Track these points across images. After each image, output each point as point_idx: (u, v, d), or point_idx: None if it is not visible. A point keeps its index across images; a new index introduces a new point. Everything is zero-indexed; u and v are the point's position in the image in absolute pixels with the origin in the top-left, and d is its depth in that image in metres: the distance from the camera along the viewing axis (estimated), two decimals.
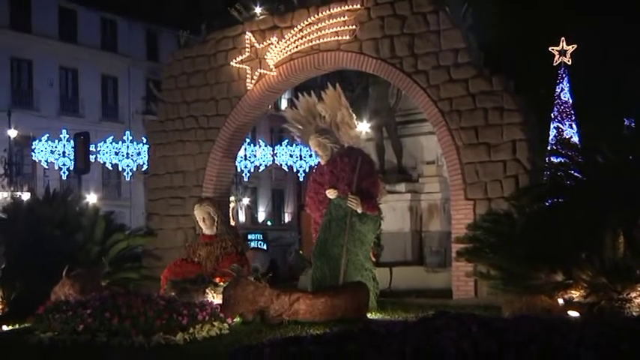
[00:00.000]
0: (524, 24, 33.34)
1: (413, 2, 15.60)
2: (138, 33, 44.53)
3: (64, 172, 32.06)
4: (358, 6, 15.99)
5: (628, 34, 32.76)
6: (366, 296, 12.24)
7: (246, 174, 36.24)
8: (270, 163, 36.21)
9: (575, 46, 25.33)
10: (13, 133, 34.97)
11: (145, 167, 28.18)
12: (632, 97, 29.10)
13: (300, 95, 14.44)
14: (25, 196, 23.28)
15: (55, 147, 31.56)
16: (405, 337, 6.13)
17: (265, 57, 17.02)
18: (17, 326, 12.31)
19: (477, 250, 13.61)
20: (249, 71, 17.23)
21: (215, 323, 10.61)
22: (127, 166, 32.81)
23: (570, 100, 26.64)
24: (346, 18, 16.05)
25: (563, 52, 25.66)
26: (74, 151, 30.77)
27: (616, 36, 32.89)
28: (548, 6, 34.80)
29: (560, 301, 10.98)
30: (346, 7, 16.10)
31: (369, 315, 12.10)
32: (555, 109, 26.55)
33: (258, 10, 17.52)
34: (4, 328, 12.47)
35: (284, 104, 39.43)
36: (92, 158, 31.55)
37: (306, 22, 16.51)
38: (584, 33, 27.80)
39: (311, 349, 6.04)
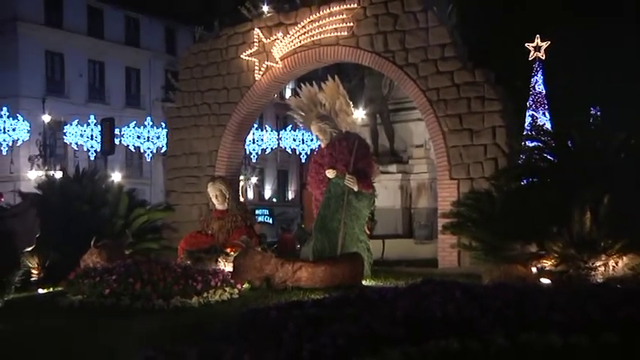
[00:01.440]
0: (503, 23, 33.24)
1: (404, 2, 15.54)
2: (158, 29, 44.35)
3: (91, 154, 32.04)
4: (355, 5, 15.93)
5: (595, 32, 32.69)
6: (362, 265, 12.24)
7: (254, 156, 36.25)
8: (276, 146, 36.23)
9: (549, 42, 25.28)
10: (47, 118, 34.91)
11: (163, 149, 28.16)
12: (598, 89, 29.09)
13: (302, 85, 14.39)
14: (58, 174, 23.24)
15: (84, 131, 31.54)
16: (396, 302, 6.12)
17: (272, 51, 16.97)
18: (51, 290, 12.34)
19: (461, 225, 13.62)
20: (257, 63, 17.18)
21: (226, 289, 10.61)
22: (148, 148, 32.80)
23: (544, 91, 26.61)
24: (344, 16, 16.00)
25: (537, 48, 25.61)
26: (101, 135, 30.73)
27: (584, 34, 32.80)
28: (525, 7, 34.74)
29: (534, 269, 10.97)
30: (344, 6, 16.04)
31: (364, 282, 12.11)
32: (530, 98, 26.51)
33: (265, 8, 17.46)
34: (40, 291, 12.51)
35: (288, 93, 39.27)
36: (117, 141, 31.53)
37: (308, 20, 16.46)
38: (556, 31, 27.74)
39: (312, 312, 6.03)
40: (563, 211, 10.60)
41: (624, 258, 10.59)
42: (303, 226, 23.17)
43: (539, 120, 23.51)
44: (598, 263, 10.53)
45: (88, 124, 31.57)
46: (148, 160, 34.89)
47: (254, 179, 47.82)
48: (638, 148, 11.54)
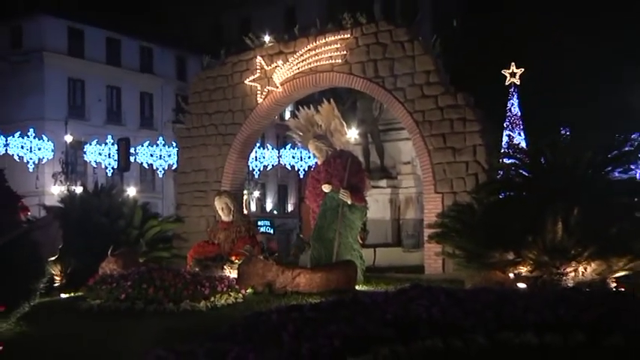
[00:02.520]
0: (482, 51, 33.39)
1: (393, 33, 15.60)
2: (169, 57, 44.42)
3: (109, 170, 31.97)
4: (348, 35, 15.99)
5: (565, 61, 32.87)
6: (355, 272, 12.22)
7: (256, 172, 36.17)
8: (276, 163, 36.14)
9: (523, 69, 25.34)
10: (69, 138, 34.90)
11: (174, 166, 28.11)
12: (568, 111, 29.19)
13: (300, 108, 14.42)
14: (78, 190, 23.18)
15: (102, 150, 31.48)
16: (386, 305, 6.11)
17: (272, 77, 17.01)
18: (72, 295, 12.30)
19: (445, 234, 13.60)
20: (259, 88, 17.21)
21: (231, 293, 10.59)
22: (160, 165, 32.72)
23: (519, 113, 26.66)
24: (339, 45, 16.05)
25: (513, 74, 25.65)
26: (117, 153, 30.70)
27: (555, 62, 32.96)
28: (501, 37, 34.92)
29: (511, 275, 10.96)
30: (339, 36, 16.10)
31: (357, 287, 12.08)
32: (507, 120, 26.50)
33: (267, 38, 17.51)
34: (62, 296, 12.47)
35: (287, 115, 39.28)
36: (132, 159, 31.47)
37: (306, 49, 16.50)
38: (530, 59, 27.86)
39: (310, 315, 6.01)
40: (537, 222, 10.61)
41: (592, 264, 10.59)
42: (301, 235, 23.07)
43: (515, 139, 23.49)
44: (569, 269, 10.53)
45: (106, 144, 31.54)
46: (160, 176, 34.81)
47: (256, 193, 47.73)
48: (603, 165, 11.57)
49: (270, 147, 36.79)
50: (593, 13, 34.44)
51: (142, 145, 32.70)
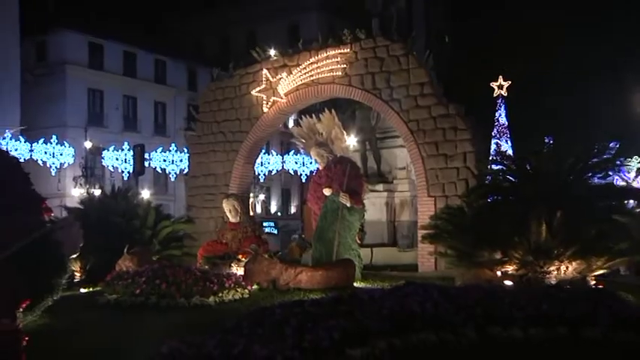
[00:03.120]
0: (473, 65, 33.44)
1: (389, 48, 15.62)
2: (181, 70, 44.48)
3: (125, 174, 31.99)
4: (348, 50, 16.00)
5: (549, 75, 32.93)
6: (353, 269, 12.22)
7: (262, 176, 36.16)
8: (281, 168, 36.14)
9: (510, 82, 25.37)
10: (88, 144, 34.96)
11: (185, 170, 28.11)
12: (550, 121, 29.23)
13: (303, 117, 14.43)
14: (97, 192, 23.23)
15: (119, 155, 31.51)
16: (383, 300, 6.11)
17: (277, 88, 17.03)
18: (91, 289, 12.30)
19: (437, 235, 13.57)
20: (265, 98, 17.23)
21: (238, 289, 10.59)
22: (172, 169, 32.73)
23: (506, 123, 26.69)
24: (339, 59, 16.06)
25: (500, 87, 25.70)
26: (133, 159, 30.73)
27: (540, 75, 33.00)
28: (490, 52, 34.97)
29: (499, 273, 10.96)
30: (339, 51, 16.11)
31: (355, 284, 12.08)
32: (495, 129, 26.54)
33: (272, 52, 17.53)
34: (82, 290, 12.47)
35: (291, 123, 39.33)
36: (146, 164, 31.49)
37: (308, 62, 16.52)
38: (516, 73, 27.93)
39: (311, 310, 6.02)
40: (522, 224, 10.62)
41: (573, 263, 10.60)
42: (303, 236, 23.09)
43: (502, 147, 23.53)
44: (552, 268, 10.53)
45: (123, 150, 31.56)
46: (173, 179, 34.83)
47: (262, 196, 47.73)
48: (584, 171, 11.59)
49: (274, 153, 36.78)
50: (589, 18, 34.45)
51: (156, 151, 32.72)
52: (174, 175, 33.35)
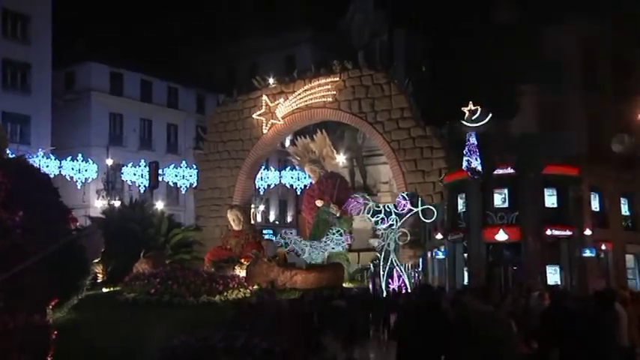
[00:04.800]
0: (446, 92, 33.46)
1: (373, 77, 15.74)
2: (191, 95, 44.38)
3: (142, 188, 31.84)
4: (337, 78, 16.12)
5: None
6: (343, 271, 12.25)
7: (261, 189, 36.01)
8: (278, 182, 36.05)
9: (479, 107, 25.49)
10: (109, 161, 34.82)
11: (194, 184, 28.02)
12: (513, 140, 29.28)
13: (298, 137, 14.48)
14: (117, 203, 23.13)
15: (136, 171, 31.37)
16: (367, 296, 6.14)
17: (275, 112, 17.09)
18: (111, 289, 12.28)
19: (417, 241, 13.61)
20: (264, 121, 17.29)
21: (241, 289, 10.60)
22: (183, 183, 32.57)
23: (475, 142, 26.76)
24: (329, 86, 16.16)
25: (471, 111, 25.80)
26: (148, 174, 30.58)
27: (502, 101, 33.02)
28: (462, 80, 35.06)
29: None
30: (329, 79, 16.22)
31: (344, 284, 12.09)
32: (466, 147, 26.60)
33: (271, 80, 17.63)
34: (104, 290, 12.45)
35: (287, 143, 39.27)
36: (160, 179, 31.36)
37: (303, 89, 16.61)
38: (482, 98, 27.97)
39: (306, 308, 6.02)
40: None
41: None
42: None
43: (472, 164, 23.58)
44: None
45: (139, 166, 31.40)
46: (183, 192, 34.63)
47: (261, 207, 47.54)
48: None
49: (273, 169, 36.60)
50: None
51: (169, 167, 32.56)
52: (185, 189, 33.18)
